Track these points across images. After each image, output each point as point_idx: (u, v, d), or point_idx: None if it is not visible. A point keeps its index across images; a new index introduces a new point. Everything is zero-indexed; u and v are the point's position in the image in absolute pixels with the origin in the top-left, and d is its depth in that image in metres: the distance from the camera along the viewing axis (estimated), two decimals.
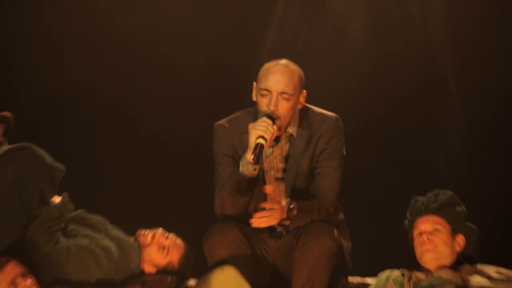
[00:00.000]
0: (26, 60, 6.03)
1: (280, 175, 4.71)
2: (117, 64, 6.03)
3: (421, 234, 4.54)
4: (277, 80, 4.53)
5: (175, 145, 6.03)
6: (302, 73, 4.63)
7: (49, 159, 4.85)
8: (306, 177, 4.69)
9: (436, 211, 4.56)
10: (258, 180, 4.59)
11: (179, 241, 4.99)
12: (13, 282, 4.52)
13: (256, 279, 4.61)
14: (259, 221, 4.45)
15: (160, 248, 4.92)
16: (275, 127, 4.49)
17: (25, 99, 5.98)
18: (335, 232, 4.60)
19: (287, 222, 4.52)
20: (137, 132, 6.06)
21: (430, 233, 4.53)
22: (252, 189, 4.56)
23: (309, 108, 4.75)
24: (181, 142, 6.04)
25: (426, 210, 4.58)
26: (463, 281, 4.40)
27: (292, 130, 4.68)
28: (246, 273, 4.54)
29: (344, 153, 4.73)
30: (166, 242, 4.95)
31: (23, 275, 4.55)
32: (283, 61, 4.62)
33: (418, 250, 4.52)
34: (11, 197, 4.69)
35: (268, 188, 4.49)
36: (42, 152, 4.84)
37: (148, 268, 4.92)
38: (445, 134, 5.95)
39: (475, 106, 5.88)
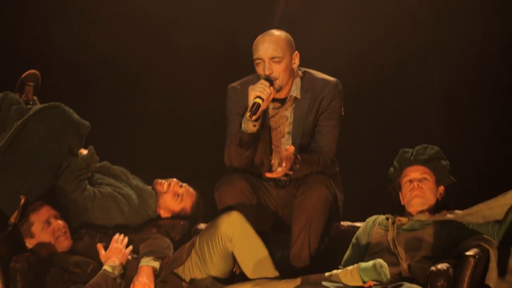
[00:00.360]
0: (55, 33, 6.26)
1: (286, 133, 4.93)
2: (135, 39, 6.28)
3: (411, 181, 4.78)
4: (266, 47, 4.79)
5: (188, 107, 6.26)
6: (289, 36, 4.86)
7: (76, 116, 5.09)
8: (310, 136, 4.92)
9: (425, 163, 4.81)
10: (259, 136, 4.82)
11: (191, 190, 5.24)
12: (47, 221, 4.86)
13: (260, 224, 4.84)
14: (272, 175, 4.69)
15: (175, 195, 5.18)
16: (272, 88, 4.73)
17: (55, 68, 6.20)
18: (331, 182, 4.84)
19: (290, 172, 4.71)
20: (154, 95, 6.26)
21: (419, 180, 4.78)
22: (253, 144, 4.81)
23: (311, 73, 4.97)
24: (193, 104, 6.26)
25: (415, 161, 4.83)
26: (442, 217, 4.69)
27: (295, 93, 4.90)
28: (251, 219, 4.77)
29: (343, 113, 4.95)
30: (180, 190, 5.20)
31: (56, 217, 4.89)
32: (270, 31, 4.86)
33: (407, 195, 4.78)
34: (43, 150, 4.99)
35: (291, 148, 4.68)
36: (70, 110, 5.10)
37: (164, 213, 5.19)
38: (424, 102, 6.19)
39: (450, 74, 6.11)
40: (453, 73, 6.13)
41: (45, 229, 4.87)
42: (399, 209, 4.87)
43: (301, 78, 4.96)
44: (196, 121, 6.29)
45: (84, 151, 5.16)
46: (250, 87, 4.76)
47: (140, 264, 4.79)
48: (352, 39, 6.15)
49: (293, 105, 4.94)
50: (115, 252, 4.81)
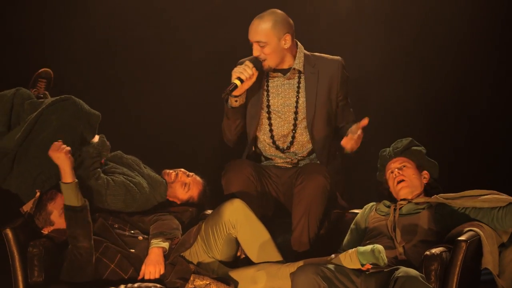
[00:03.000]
0: (65, 31, 6.37)
1: (292, 102, 5.11)
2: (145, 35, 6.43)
3: (392, 172, 4.93)
4: (252, 32, 5.00)
5: (193, 102, 6.36)
6: (280, 20, 4.98)
7: (87, 107, 5.16)
8: (325, 111, 5.10)
9: (401, 153, 4.98)
10: (243, 110, 5.04)
11: (198, 178, 5.31)
12: (63, 209, 4.89)
13: (263, 209, 5.04)
14: (351, 143, 4.85)
15: (182, 185, 5.24)
16: (254, 69, 4.91)
17: (65, 64, 6.30)
18: (328, 171, 4.99)
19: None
20: (161, 91, 6.28)
21: (400, 169, 4.92)
22: (238, 117, 5.05)
23: (315, 53, 5.13)
24: (198, 99, 6.37)
25: (393, 155, 5.00)
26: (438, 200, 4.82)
27: (298, 66, 5.07)
28: (255, 204, 4.96)
29: None
30: (188, 180, 5.26)
31: None
32: (264, 13, 5.02)
33: (393, 186, 4.92)
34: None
35: (364, 121, 4.85)
36: (81, 102, 5.16)
37: (172, 201, 5.23)
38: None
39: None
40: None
41: (63, 215, 4.92)
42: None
43: (305, 55, 5.11)
44: (201, 118, 6.40)
45: (95, 139, 5.24)
46: (234, 68, 4.96)
47: (151, 246, 4.93)
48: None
49: (300, 77, 5.10)
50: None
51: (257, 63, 4.99)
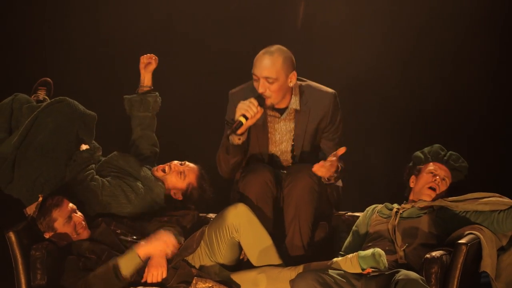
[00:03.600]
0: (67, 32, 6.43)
1: (285, 142, 5.12)
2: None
3: (435, 175, 4.98)
4: (261, 67, 4.89)
5: (193, 102, 6.40)
6: (289, 57, 4.93)
7: (82, 108, 5.20)
8: (310, 145, 5.09)
9: (453, 169, 5.04)
10: (245, 147, 4.99)
11: (192, 165, 5.30)
12: (69, 217, 4.96)
13: (275, 216, 5.00)
14: (322, 170, 4.77)
15: (178, 174, 5.23)
16: (259, 108, 4.85)
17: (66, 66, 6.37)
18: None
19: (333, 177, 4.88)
20: (161, 91, 6.03)
21: (442, 179, 4.99)
22: (239, 154, 4.98)
23: (309, 85, 5.09)
24: (198, 99, 6.39)
25: (446, 163, 5.05)
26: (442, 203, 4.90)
27: (295, 105, 5.04)
28: (269, 210, 4.97)
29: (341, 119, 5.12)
30: (182, 168, 5.25)
31: (75, 211, 4.99)
32: (272, 48, 4.95)
33: (424, 185, 4.97)
34: (53, 142, 5.11)
35: (341, 150, 4.80)
36: (75, 103, 5.20)
37: (174, 194, 5.26)
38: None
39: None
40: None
41: (67, 224, 4.97)
42: (399, 201, 5.05)
43: (300, 91, 5.07)
44: (199, 124, 6.43)
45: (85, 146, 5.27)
46: (240, 104, 4.91)
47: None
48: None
49: (295, 117, 5.07)
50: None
51: (261, 100, 4.93)
